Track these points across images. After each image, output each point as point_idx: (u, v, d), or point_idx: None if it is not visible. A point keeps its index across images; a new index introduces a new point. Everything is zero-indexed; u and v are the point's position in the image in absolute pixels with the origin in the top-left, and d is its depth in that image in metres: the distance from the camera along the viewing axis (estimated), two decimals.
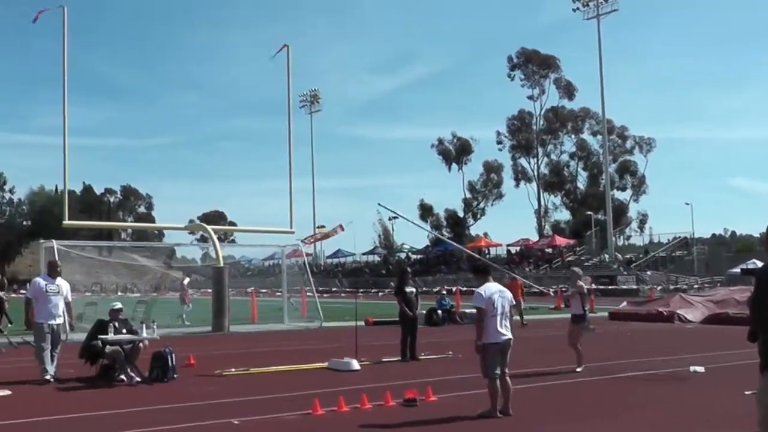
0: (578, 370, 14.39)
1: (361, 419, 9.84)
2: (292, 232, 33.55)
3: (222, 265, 27.91)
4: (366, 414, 10.24)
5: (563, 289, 46.29)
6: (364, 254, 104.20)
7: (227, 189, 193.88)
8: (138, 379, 13.58)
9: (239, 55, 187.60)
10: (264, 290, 50.49)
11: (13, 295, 26.78)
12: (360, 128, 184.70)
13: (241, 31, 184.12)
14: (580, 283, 15.59)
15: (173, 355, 14.06)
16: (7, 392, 12.63)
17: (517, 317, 25.10)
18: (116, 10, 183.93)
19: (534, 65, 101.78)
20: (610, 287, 57.79)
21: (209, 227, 33.55)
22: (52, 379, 13.77)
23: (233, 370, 14.79)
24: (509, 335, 10.00)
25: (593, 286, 47.38)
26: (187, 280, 34.03)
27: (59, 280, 14.71)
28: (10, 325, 26.06)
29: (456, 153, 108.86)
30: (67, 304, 14.70)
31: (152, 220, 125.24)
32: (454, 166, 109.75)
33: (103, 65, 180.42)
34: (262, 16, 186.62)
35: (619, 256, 74.30)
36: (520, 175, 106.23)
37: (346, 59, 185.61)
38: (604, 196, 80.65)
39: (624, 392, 12.35)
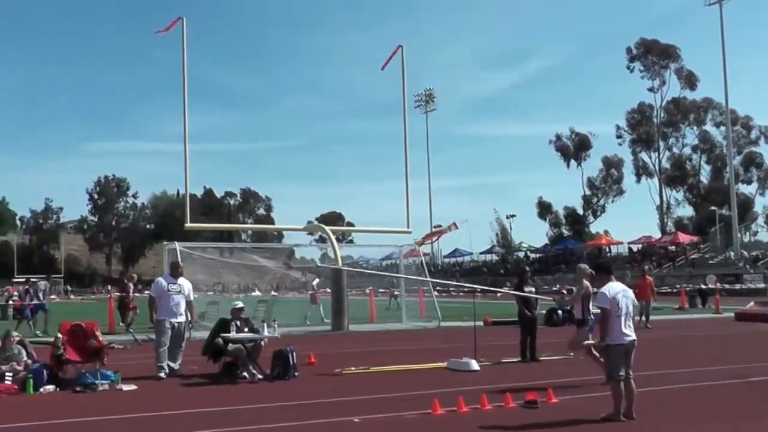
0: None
1: (481, 420, 9.72)
2: (409, 232, 33.56)
3: (340, 265, 28.13)
4: (486, 415, 10.11)
5: (686, 288, 44.95)
6: (481, 253, 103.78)
7: (345, 190, 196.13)
8: (260, 376, 13.81)
9: (354, 57, 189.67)
10: (382, 290, 50.74)
11: (138, 295, 27.66)
12: (475, 126, 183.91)
13: (356, 33, 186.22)
14: (586, 283, 13.70)
15: (294, 354, 14.23)
16: (133, 387, 13.08)
17: (643, 318, 24.39)
18: (231, 17, 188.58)
19: (654, 56, 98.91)
20: (736, 286, 55.86)
21: (327, 228, 33.88)
22: (165, 377, 14.18)
23: (353, 368, 14.86)
24: (633, 336, 9.73)
25: (718, 285, 45.77)
26: (317, 281, 34.39)
27: (181, 280, 15.18)
28: (122, 324, 27.06)
29: (574, 149, 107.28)
30: (189, 303, 15.13)
31: (271, 222, 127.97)
32: (573, 162, 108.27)
33: (222, 72, 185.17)
34: (376, 17, 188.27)
35: (745, 253, 71.57)
36: (640, 170, 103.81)
37: (460, 57, 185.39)
38: (729, 190, 77.89)
39: (753, 397, 11.83)
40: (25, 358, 13.53)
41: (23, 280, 57.02)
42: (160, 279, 15.46)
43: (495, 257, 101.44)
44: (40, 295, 27.58)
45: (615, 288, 9.80)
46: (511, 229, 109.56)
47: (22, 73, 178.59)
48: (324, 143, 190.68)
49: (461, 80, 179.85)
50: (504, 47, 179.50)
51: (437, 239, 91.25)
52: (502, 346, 17.82)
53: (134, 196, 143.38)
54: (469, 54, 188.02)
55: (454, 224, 49.35)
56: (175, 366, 14.61)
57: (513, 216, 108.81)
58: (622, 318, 9.62)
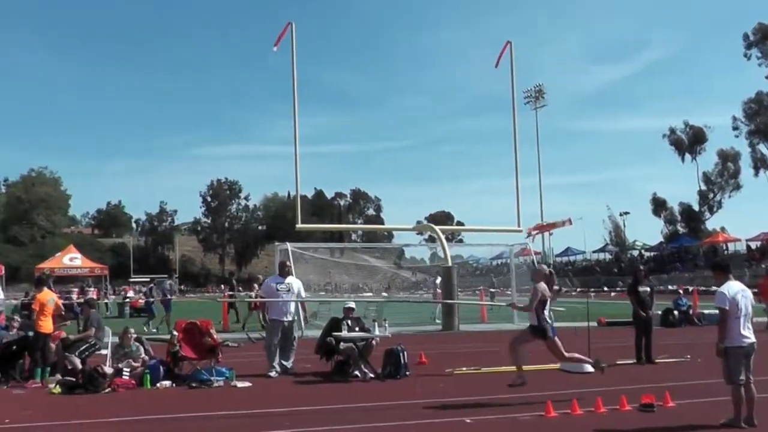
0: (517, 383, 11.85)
1: (596, 423, 9.56)
2: (520, 231, 33.28)
3: (450, 264, 28.11)
4: (601, 418, 9.93)
5: None
6: (594, 252, 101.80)
7: (454, 189, 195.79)
8: (371, 375, 13.90)
9: (461, 55, 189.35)
10: (493, 290, 50.52)
11: (252, 294, 28.28)
12: (586, 121, 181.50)
13: (463, 31, 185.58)
14: (541, 285, 12.42)
15: (405, 353, 14.29)
16: (247, 384, 13.37)
17: (764, 319, 23.47)
18: (340, 19, 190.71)
19: None
20: None
21: (437, 227, 33.89)
22: (275, 375, 14.42)
23: (464, 368, 14.82)
24: (753, 339, 9.37)
25: None
26: (439, 280, 34.38)
27: (290, 279, 15.40)
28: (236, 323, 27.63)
29: (689, 142, 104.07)
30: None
31: (381, 222, 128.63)
32: (688, 156, 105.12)
33: (331, 74, 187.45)
34: (482, 15, 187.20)
35: None
36: (759, 163, 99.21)
37: (569, 51, 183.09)
38: None
39: None
40: (142, 355, 14.04)
41: (148, 279, 58.99)
42: (269, 280, 15.76)
43: (608, 256, 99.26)
44: (168, 294, 28.43)
45: (734, 287, 9.46)
46: (624, 226, 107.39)
47: (139, 81, 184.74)
48: (433, 143, 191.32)
49: (571, 75, 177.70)
50: (614, 40, 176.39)
51: (550, 231, 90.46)
52: (617, 348, 17.46)
53: (246, 198, 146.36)
54: (578, 48, 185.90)
55: (569, 220, 48.59)
56: (289, 364, 14.87)
57: (626, 213, 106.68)
58: (741, 319, 9.29)
